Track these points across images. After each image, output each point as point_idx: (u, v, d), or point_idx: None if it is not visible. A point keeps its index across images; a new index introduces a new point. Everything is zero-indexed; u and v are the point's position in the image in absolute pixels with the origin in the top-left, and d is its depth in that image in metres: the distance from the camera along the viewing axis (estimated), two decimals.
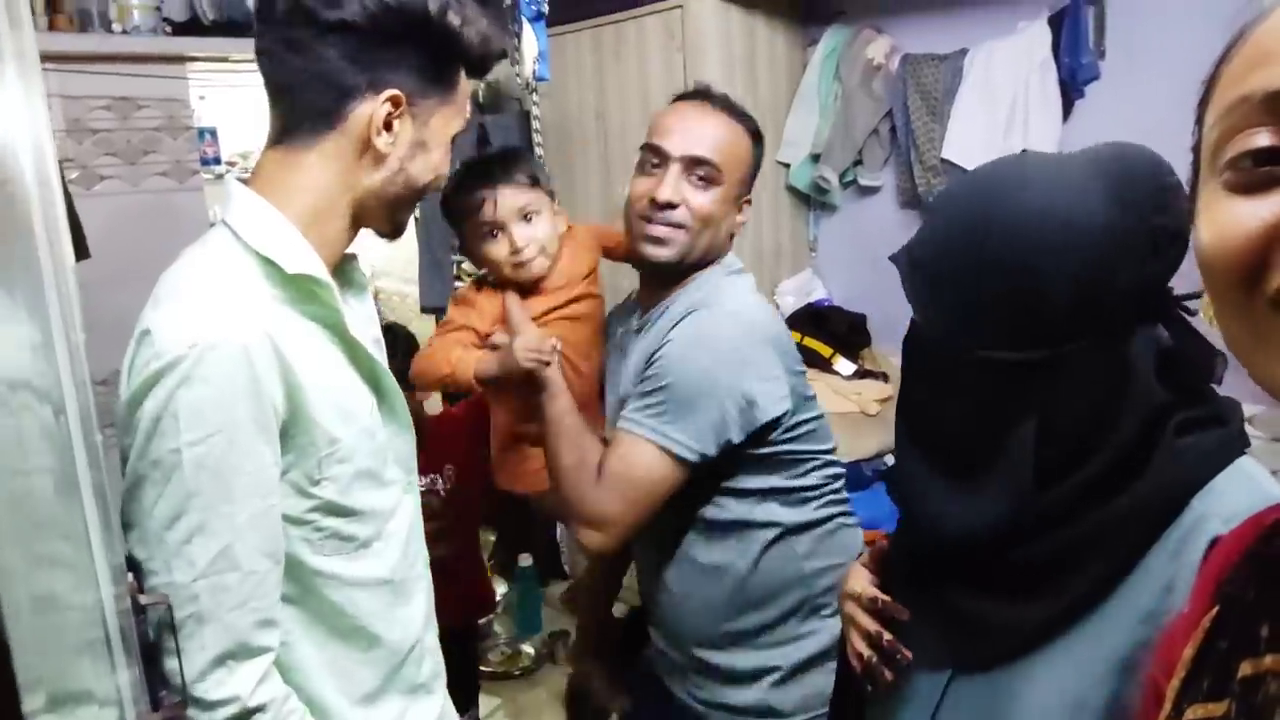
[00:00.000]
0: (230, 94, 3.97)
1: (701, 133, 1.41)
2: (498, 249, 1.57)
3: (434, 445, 1.95)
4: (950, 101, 2.43)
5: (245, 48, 2.07)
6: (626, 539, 1.37)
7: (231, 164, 4.35)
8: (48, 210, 0.67)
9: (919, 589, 0.94)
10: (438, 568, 1.27)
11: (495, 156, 1.67)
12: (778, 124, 2.82)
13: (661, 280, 1.47)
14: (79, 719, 0.68)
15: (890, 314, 2.70)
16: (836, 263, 2.95)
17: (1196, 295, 0.79)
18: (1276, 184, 0.47)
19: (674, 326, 1.39)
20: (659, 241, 1.40)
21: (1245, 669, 0.53)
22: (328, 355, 1.05)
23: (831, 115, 2.71)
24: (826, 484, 1.46)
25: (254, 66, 1.06)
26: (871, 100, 2.62)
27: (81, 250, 2.18)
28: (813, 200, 2.93)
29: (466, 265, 3.55)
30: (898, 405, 0.97)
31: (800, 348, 1.68)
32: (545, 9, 2.18)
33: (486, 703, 2.68)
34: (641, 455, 1.32)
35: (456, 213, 1.61)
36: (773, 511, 1.41)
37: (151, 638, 0.95)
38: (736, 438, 1.33)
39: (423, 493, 1.39)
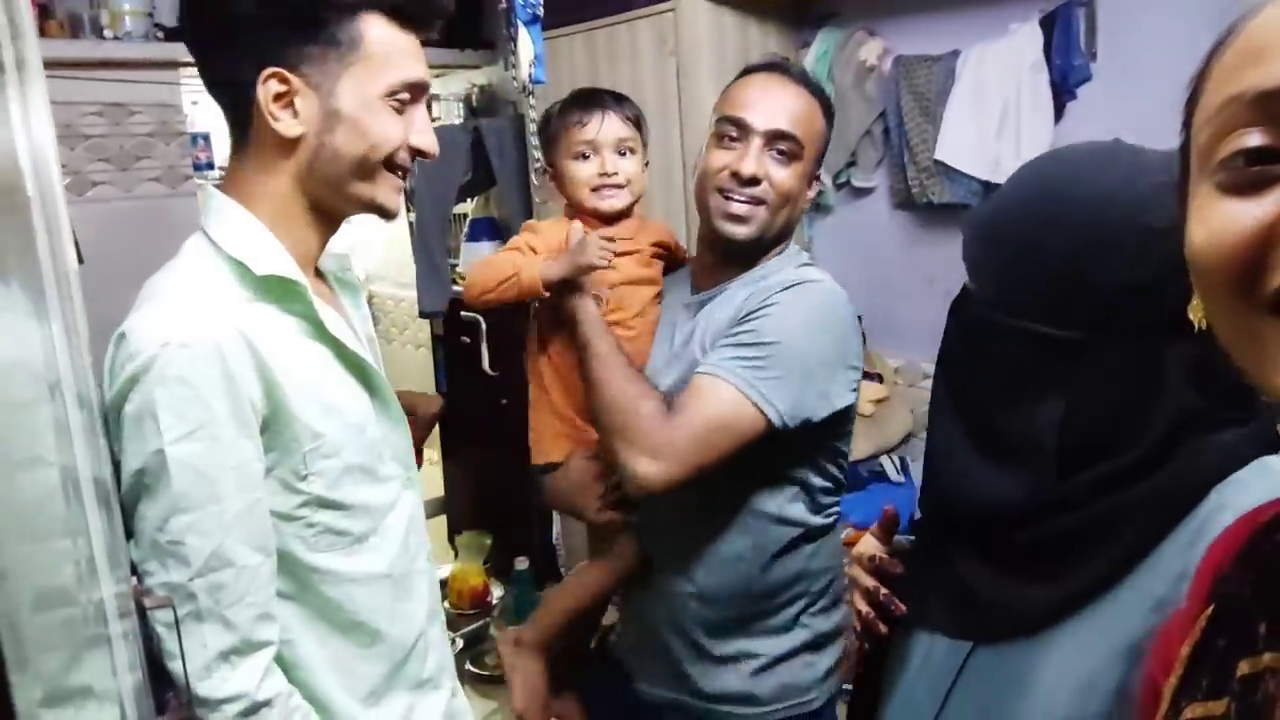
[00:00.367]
0: None
1: (783, 105, 1.38)
2: (586, 169, 1.54)
3: None
4: (943, 103, 2.44)
5: None
6: (684, 479, 1.28)
7: (224, 169, 4.33)
8: (50, 215, 0.67)
9: (941, 561, 0.96)
10: None
11: (608, 90, 1.63)
12: None
13: (729, 259, 1.45)
14: None
15: (885, 315, 2.70)
16: (831, 263, 2.93)
17: None
18: (1270, 184, 0.46)
19: (778, 292, 1.36)
20: (739, 219, 1.38)
21: (1243, 667, 0.53)
22: (309, 352, 1.06)
23: None
24: (840, 485, 1.48)
25: None
26: (864, 102, 2.63)
27: (75, 257, 2.18)
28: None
29: (461, 268, 3.55)
30: (936, 371, 0.98)
31: None
32: (540, 12, 2.18)
33: (483, 706, 2.67)
34: (725, 398, 1.28)
35: (555, 128, 1.56)
36: (798, 510, 1.42)
37: (155, 640, 0.95)
38: (815, 417, 1.32)
39: None
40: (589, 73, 2.86)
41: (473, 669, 2.88)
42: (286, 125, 1.01)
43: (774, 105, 1.38)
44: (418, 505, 1.22)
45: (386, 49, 1.04)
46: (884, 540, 1.04)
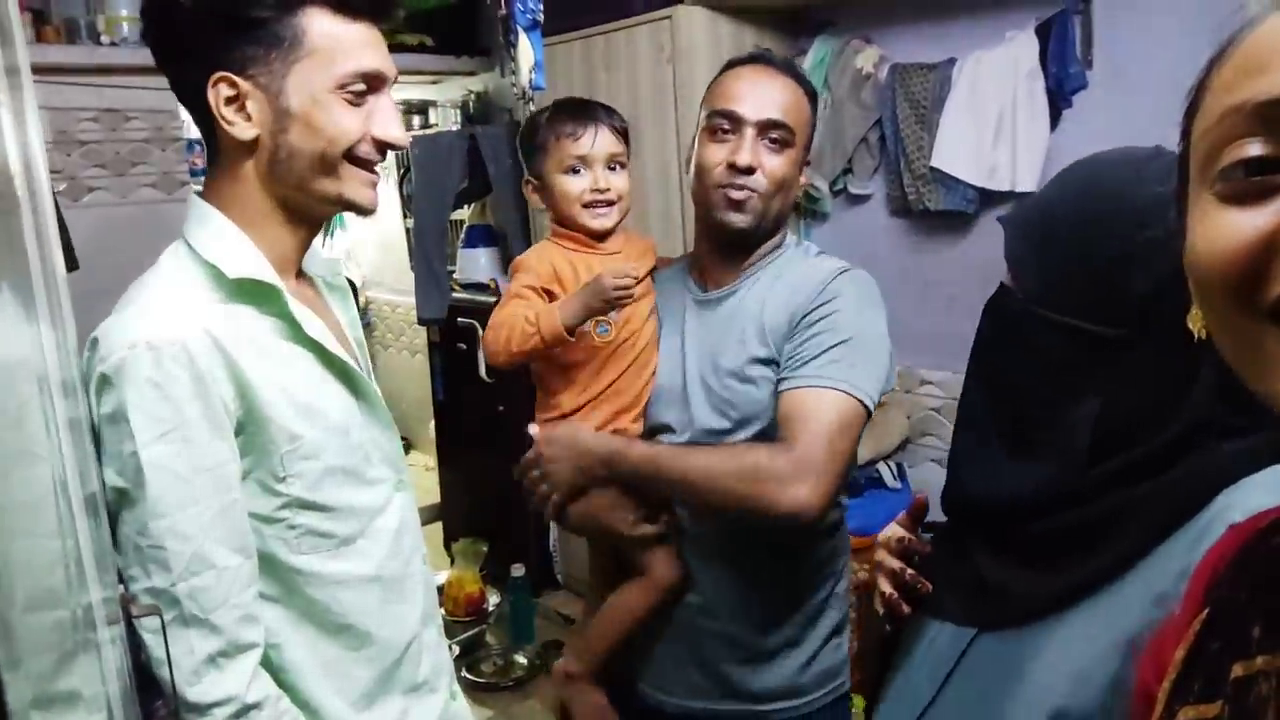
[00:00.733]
0: None
1: (772, 95, 1.40)
2: (577, 184, 1.49)
3: None
4: (939, 111, 2.44)
5: None
6: (835, 491, 1.30)
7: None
8: (40, 219, 0.67)
9: (955, 548, 0.98)
10: None
11: (595, 101, 1.59)
12: None
13: (733, 251, 1.46)
14: None
15: None
16: None
17: None
18: (1271, 193, 0.46)
19: (831, 283, 1.38)
20: (737, 205, 1.39)
21: (1237, 670, 0.53)
22: (287, 354, 1.06)
23: (821, 124, 2.72)
24: (852, 465, 1.47)
25: None
26: (861, 109, 2.63)
27: (70, 262, 2.17)
28: (804, 208, 2.94)
29: (457, 275, 3.55)
30: (969, 368, 1.00)
31: None
32: (540, 18, 2.18)
33: (479, 714, 2.66)
34: (833, 404, 1.30)
35: (544, 138, 1.51)
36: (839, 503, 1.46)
37: (143, 648, 0.95)
38: (885, 390, 1.36)
39: None
40: (587, 79, 2.86)
41: (469, 676, 2.88)
42: (241, 128, 1.01)
43: (763, 96, 1.39)
44: (411, 508, 1.21)
45: (332, 41, 1.02)
46: (910, 528, 1.06)
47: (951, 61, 2.44)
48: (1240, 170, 0.47)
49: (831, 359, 1.32)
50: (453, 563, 3.21)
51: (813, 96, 1.46)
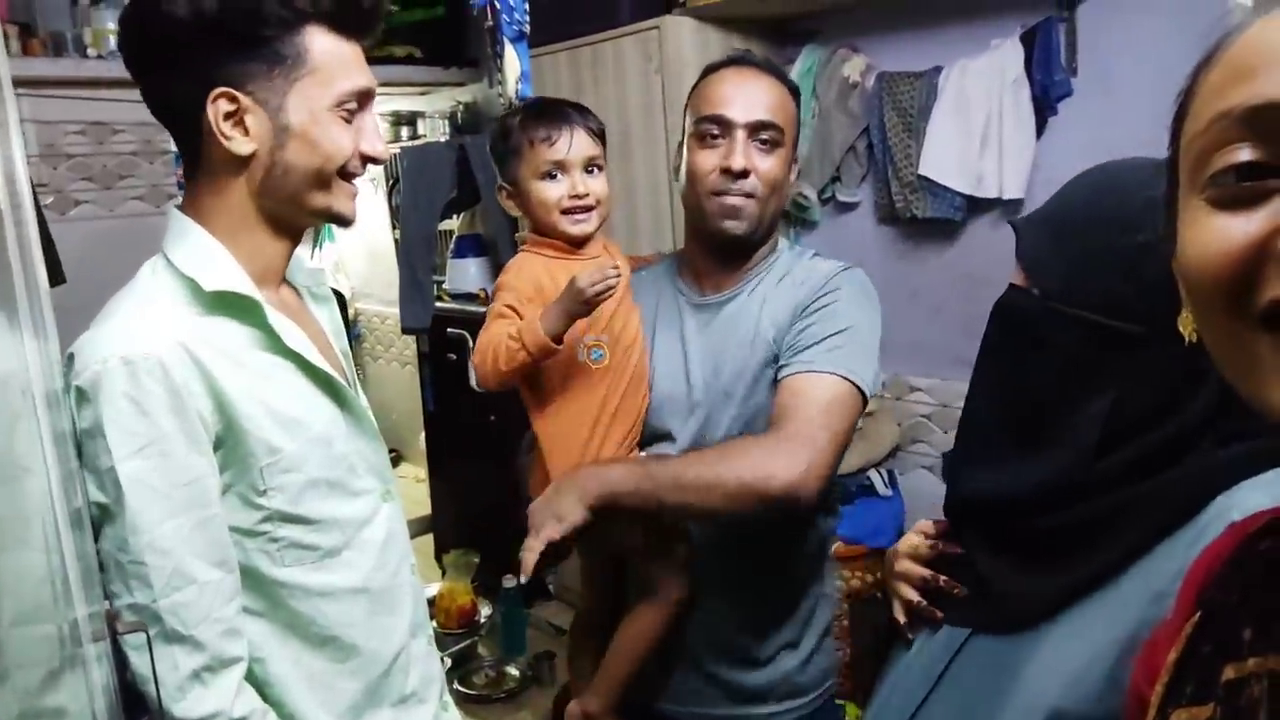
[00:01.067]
0: None
1: (759, 96, 1.39)
2: (554, 190, 1.44)
3: None
4: (926, 118, 2.46)
5: None
6: (832, 467, 1.27)
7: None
8: (22, 232, 0.67)
9: (960, 558, 0.99)
10: None
11: (566, 101, 1.53)
12: None
13: (732, 256, 1.45)
14: None
15: None
16: None
17: None
18: (1260, 199, 0.46)
19: (831, 279, 1.39)
20: (734, 212, 1.38)
21: (1229, 672, 0.53)
22: (267, 366, 1.05)
23: (809, 133, 2.73)
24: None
25: None
26: (848, 118, 2.64)
27: (57, 276, 2.16)
28: (793, 216, 2.94)
29: (447, 285, 3.55)
30: (977, 368, 1.00)
31: None
32: (526, 29, 2.19)
33: None
34: (826, 384, 1.29)
35: (518, 144, 1.46)
36: (829, 509, 1.47)
37: (129, 666, 0.94)
38: (879, 385, 1.38)
39: None
40: (574, 90, 2.87)
41: (461, 688, 2.86)
42: (238, 144, 1.01)
43: (750, 97, 1.38)
44: (398, 518, 1.21)
45: (331, 60, 1.03)
46: (937, 537, 1.05)
47: (938, 69, 2.45)
48: (1230, 175, 0.48)
49: (829, 346, 1.32)
50: (444, 575, 3.19)
51: (795, 94, 1.45)
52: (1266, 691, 0.50)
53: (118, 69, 2.79)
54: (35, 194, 1.44)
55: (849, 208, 2.78)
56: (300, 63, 1.01)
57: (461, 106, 3.66)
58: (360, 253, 4.64)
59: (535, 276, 1.44)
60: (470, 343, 3.23)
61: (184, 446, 0.96)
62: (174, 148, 2.95)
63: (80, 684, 0.74)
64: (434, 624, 2.83)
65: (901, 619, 1.03)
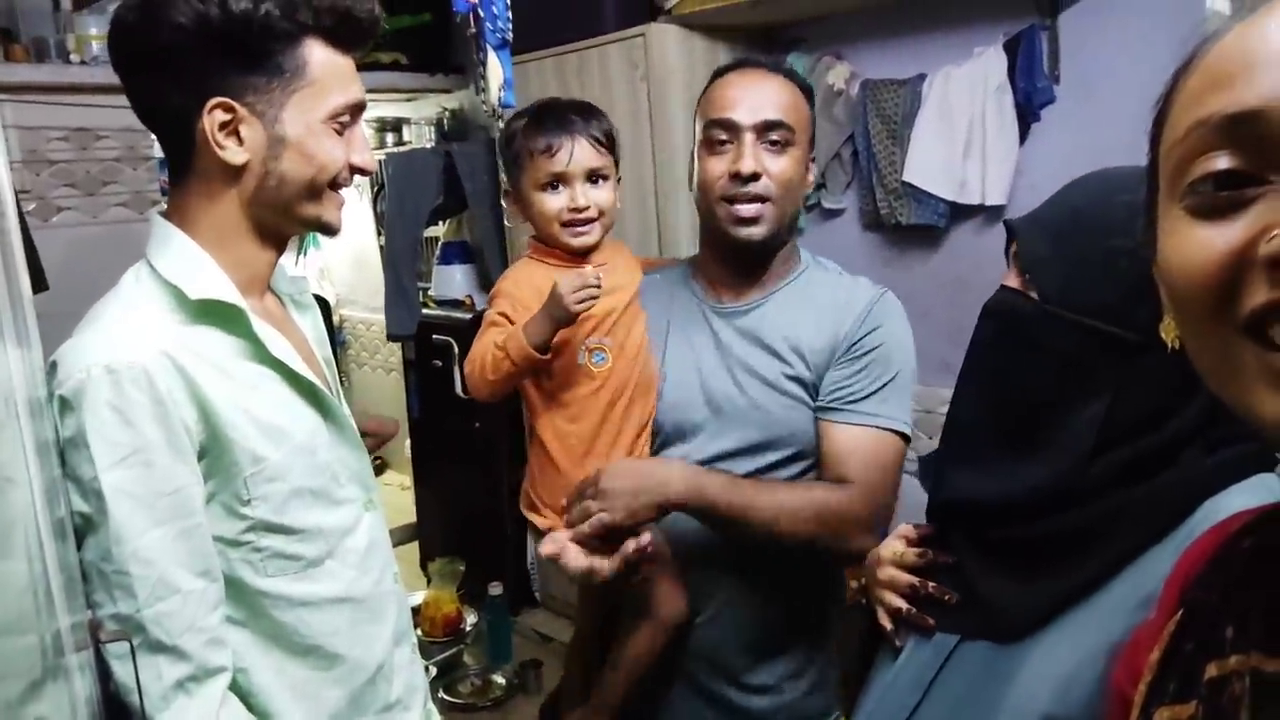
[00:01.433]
0: None
1: (766, 96, 1.35)
2: (554, 201, 1.42)
3: None
4: (910, 125, 2.47)
5: None
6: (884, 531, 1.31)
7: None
8: (4, 240, 0.66)
9: (946, 564, 0.99)
10: None
11: (574, 104, 1.49)
12: None
13: (749, 263, 1.42)
14: None
15: None
16: None
17: None
18: (1239, 207, 0.47)
19: (873, 309, 1.39)
20: (749, 221, 1.34)
21: (1211, 670, 0.53)
22: (252, 374, 1.05)
23: None
24: None
25: None
26: (833, 125, 2.65)
27: (40, 282, 2.15)
28: None
29: (433, 292, 3.54)
30: (964, 371, 1.00)
31: None
32: (509, 36, 2.19)
33: None
34: (893, 447, 1.35)
35: (519, 152, 1.45)
36: None
37: (112, 677, 0.94)
38: None
39: None
40: (560, 96, 2.87)
41: (446, 697, 2.85)
42: (232, 153, 1.01)
43: (757, 98, 1.35)
44: (381, 527, 1.20)
45: (328, 73, 1.04)
46: (919, 544, 1.05)
47: (921, 77, 2.47)
48: (1209, 183, 0.48)
49: (884, 397, 1.34)
50: (429, 583, 3.18)
51: (808, 93, 1.43)
52: (1249, 689, 0.50)
53: (101, 75, 2.79)
54: (17, 200, 1.43)
55: (834, 214, 2.79)
56: (299, 75, 1.02)
57: (447, 113, 3.66)
58: (345, 259, 4.62)
59: (535, 284, 1.42)
60: (455, 349, 3.22)
61: (168, 456, 0.96)
62: (158, 154, 2.96)
63: (63, 695, 0.73)
64: (419, 632, 2.83)
65: (888, 626, 1.02)
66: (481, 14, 2.21)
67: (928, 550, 1.02)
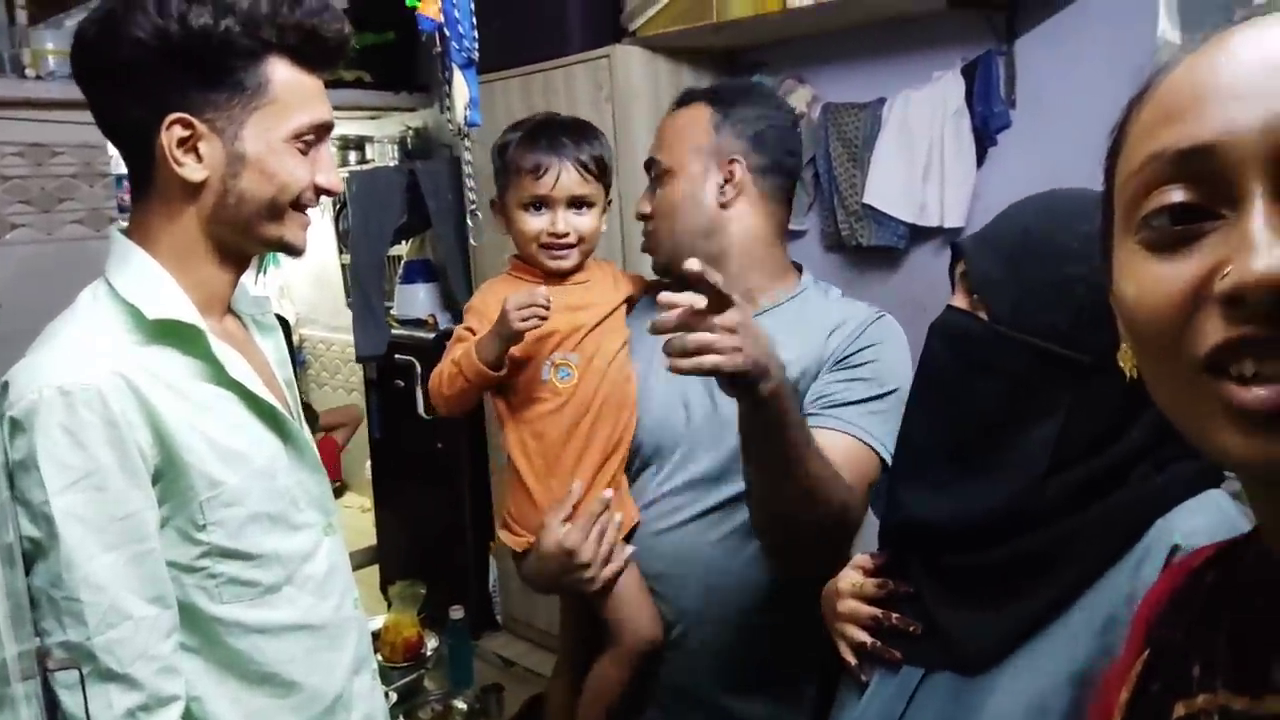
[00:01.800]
0: None
1: (659, 142, 1.46)
2: (535, 222, 1.42)
3: None
4: (870, 148, 2.50)
5: None
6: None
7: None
8: None
9: (903, 593, 0.97)
10: None
11: (571, 124, 1.50)
12: None
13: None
14: None
15: None
16: None
17: None
18: (1192, 241, 0.47)
19: (871, 327, 1.36)
20: (646, 249, 1.47)
21: (1179, 710, 0.53)
22: (209, 397, 1.03)
23: None
24: None
25: None
26: None
27: None
28: None
29: (395, 311, 3.51)
30: (913, 393, 1.00)
31: None
32: (476, 56, 2.19)
33: None
34: (871, 463, 1.27)
35: (508, 165, 1.46)
36: None
37: (60, 706, 0.91)
38: None
39: None
40: (527, 116, 2.87)
41: None
42: (190, 170, 1.00)
43: (657, 142, 1.47)
44: (341, 551, 1.18)
45: (292, 92, 1.03)
46: (875, 573, 1.03)
47: (881, 101, 2.50)
48: (1164, 217, 0.48)
49: (869, 410, 1.29)
50: (390, 606, 3.13)
51: (716, 101, 1.44)
52: None
53: (57, 90, 2.75)
54: None
55: (796, 235, 2.81)
56: (261, 93, 1.01)
57: (411, 132, 3.65)
58: (306, 278, 4.58)
59: (496, 301, 1.41)
60: (418, 369, 3.20)
61: (121, 479, 0.93)
62: (115, 170, 2.91)
63: None
64: (379, 657, 2.78)
65: (851, 661, 1.00)
66: (447, 33, 2.20)
67: (888, 580, 1.00)
